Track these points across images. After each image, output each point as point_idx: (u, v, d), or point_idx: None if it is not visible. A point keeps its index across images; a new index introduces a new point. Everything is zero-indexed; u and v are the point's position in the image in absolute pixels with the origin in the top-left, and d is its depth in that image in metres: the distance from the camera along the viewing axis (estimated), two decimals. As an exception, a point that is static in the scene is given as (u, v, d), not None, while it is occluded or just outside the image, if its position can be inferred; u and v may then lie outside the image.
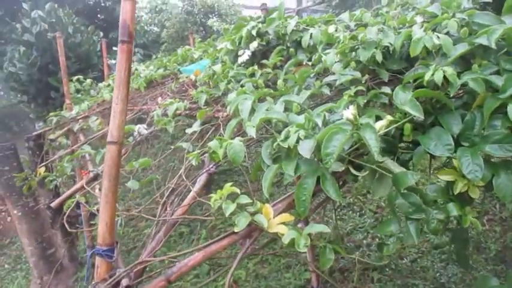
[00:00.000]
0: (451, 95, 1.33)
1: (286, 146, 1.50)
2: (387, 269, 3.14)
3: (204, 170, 2.03)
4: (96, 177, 2.61)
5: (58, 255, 4.26)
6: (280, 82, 2.00)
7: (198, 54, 3.79)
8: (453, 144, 1.33)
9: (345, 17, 2.39)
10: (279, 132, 1.65)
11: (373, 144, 1.31)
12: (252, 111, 1.87)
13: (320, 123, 1.50)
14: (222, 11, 7.21)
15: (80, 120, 3.96)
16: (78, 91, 5.02)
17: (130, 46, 1.61)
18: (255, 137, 1.64)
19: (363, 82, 1.68)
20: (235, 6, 7.71)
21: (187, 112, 2.82)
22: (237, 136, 1.83)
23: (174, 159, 6.11)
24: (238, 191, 1.51)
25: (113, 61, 10.10)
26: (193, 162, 1.77)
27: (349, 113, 1.41)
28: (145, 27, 9.41)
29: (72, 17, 7.22)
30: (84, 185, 2.49)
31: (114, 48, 10.14)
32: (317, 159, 1.50)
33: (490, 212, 3.48)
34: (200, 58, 3.93)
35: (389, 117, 1.45)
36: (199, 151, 1.79)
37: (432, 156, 1.45)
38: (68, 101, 4.24)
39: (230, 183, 1.54)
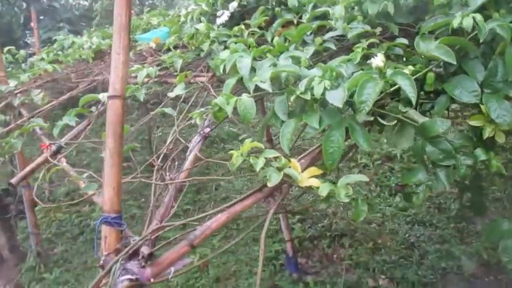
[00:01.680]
0: (481, 41, 1.34)
1: (309, 98, 1.43)
2: (357, 234, 3.22)
3: (198, 132, 1.89)
4: (59, 150, 2.33)
5: (-4, 246, 3.84)
6: (277, 39, 1.91)
7: (157, 21, 3.54)
8: (479, 90, 1.35)
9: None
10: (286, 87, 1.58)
11: (409, 90, 1.29)
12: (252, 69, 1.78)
13: (345, 73, 1.44)
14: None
15: (18, 94, 3.54)
16: (9, 64, 4.49)
17: (129, -12, 1.43)
18: (271, 91, 1.54)
19: (375, 35, 1.64)
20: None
21: (156, 79, 2.62)
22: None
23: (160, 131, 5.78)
24: (262, 146, 1.41)
25: (33, 38, 9.23)
26: (198, 121, 1.63)
27: (379, 60, 1.38)
28: (71, 1, 8.69)
29: (-11, -15, 6.43)
30: (49, 158, 2.21)
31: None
32: (340, 110, 1.45)
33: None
34: (154, 26, 3.69)
35: (411, 67, 1.43)
36: (202, 109, 1.65)
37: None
38: (1, 73, 3.76)
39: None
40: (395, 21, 1.69)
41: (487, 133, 1.34)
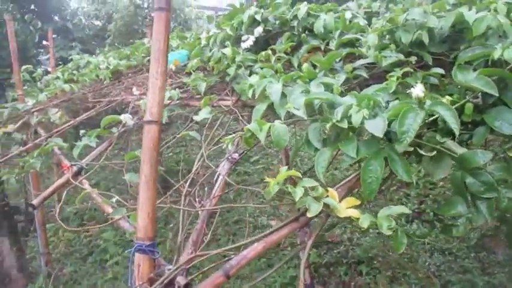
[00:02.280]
0: (522, 73, 1.33)
1: (346, 126, 1.42)
2: (375, 262, 3.16)
3: (226, 157, 1.87)
4: (80, 171, 2.32)
5: (6, 266, 3.79)
6: (305, 65, 1.91)
7: (176, 43, 3.57)
8: (520, 122, 1.33)
9: (352, 5, 2.36)
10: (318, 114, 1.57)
11: (451, 120, 1.27)
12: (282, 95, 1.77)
13: (383, 103, 1.42)
14: (175, 6, 6.94)
15: (35, 113, 3.55)
16: (25, 82, 4.51)
17: (168, 14, 1.44)
18: (306, 118, 1.53)
19: (409, 64, 1.64)
20: (187, 3, 7.45)
21: (177, 101, 2.62)
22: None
23: (171, 151, 5.76)
24: (299, 174, 1.39)
25: (44, 56, 9.33)
26: (229, 147, 1.61)
27: (419, 90, 1.36)
28: (83, 20, 8.81)
29: (8, 4, 6.51)
30: (71, 179, 2.19)
31: (44, 42, 9.36)
32: (377, 140, 1.43)
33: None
34: (172, 48, 3.72)
35: (448, 98, 1.42)
36: (233, 135, 1.63)
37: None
38: (19, 92, 3.78)
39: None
40: (428, 50, 1.68)
41: (530, 166, 1.32)
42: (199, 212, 1.60)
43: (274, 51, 2.23)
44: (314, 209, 1.27)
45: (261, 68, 2.13)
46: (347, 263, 3.20)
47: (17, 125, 3.33)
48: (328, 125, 1.48)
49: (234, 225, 4.33)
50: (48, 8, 7.87)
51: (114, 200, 1.70)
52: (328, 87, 1.69)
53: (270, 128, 1.54)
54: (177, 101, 2.62)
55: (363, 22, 2.06)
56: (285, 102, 1.74)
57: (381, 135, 1.32)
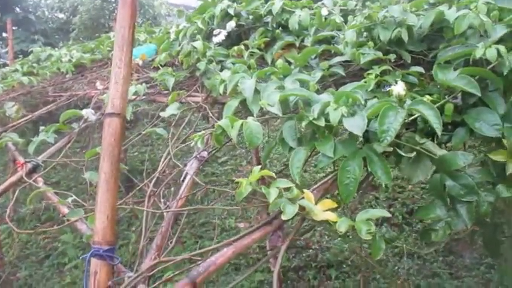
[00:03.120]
0: (505, 73, 1.29)
1: (323, 124, 1.34)
2: (344, 265, 3.12)
3: (195, 156, 1.76)
4: (35, 168, 2.14)
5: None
6: (280, 62, 1.82)
7: (144, 37, 3.42)
8: (501, 123, 1.29)
9: (328, 2, 2.30)
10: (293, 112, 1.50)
11: (434, 120, 1.22)
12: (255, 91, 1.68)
13: (363, 100, 1.36)
14: (144, 1, 6.72)
15: (-11, 107, 3.31)
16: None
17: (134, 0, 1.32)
18: (281, 114, 1.44)
19: (388, 62, 1.59)
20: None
21: (143, 97, 2.48)
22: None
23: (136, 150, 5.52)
24: (273, 174, 1.30)
25: (3, 50, 8.87)
26: (199, 144, 1.51)
27: (400, 88, 1.31)
28: (46, 12, 8.45)
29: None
30: (24, 177, 2.02)
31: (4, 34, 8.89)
32: (355, 139, 1.37)
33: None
34: (140, 43, 3.56)
35: (428, 97, 1.37)
36: (203, 132, 1.52)
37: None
38: (-28, 84, 3.52)
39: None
40: (406, 48, 1.64)
41: (510, 169, 1.28)
42: (165, 214, 1.48)
43: (247, 47, 2.14)
44: (289, 211, 1.18)
45: (233, 64, 2.04)
46: (316, 266, 3.14)
47: (-33, 119, 3.09)
48: (304, 123, 1.40)
49: (200, 228, 4.20)
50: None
51: (70, 200, 1.56)
52: (304, 84, 1.61)
53: (242, 125, 1.44)
54: (143, 97, 2.48)
55: (339, 19, 2.00)
56: (258, 98, 1.65)
57: (360, 134, 1.25)
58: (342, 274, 3.04)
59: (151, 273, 1.20)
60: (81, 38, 7.28)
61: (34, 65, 4.45)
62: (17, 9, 8.50)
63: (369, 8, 1.74)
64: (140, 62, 3.04)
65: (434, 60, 1.53)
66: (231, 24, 2.27)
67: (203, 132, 1.51)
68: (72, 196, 1.58)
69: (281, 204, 1.21)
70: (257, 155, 2.86)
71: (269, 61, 2.08)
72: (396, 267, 2.98)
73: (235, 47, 2.09)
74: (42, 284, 3.77)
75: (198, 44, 2.13)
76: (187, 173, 1.69)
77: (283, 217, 1.18)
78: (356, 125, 1.26)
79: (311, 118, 1.37)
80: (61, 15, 8.42)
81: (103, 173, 1.21)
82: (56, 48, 5.00)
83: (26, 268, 4.06)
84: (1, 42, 8.26)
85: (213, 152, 1.89)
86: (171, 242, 1.35)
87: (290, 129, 1.46)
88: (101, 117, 2.55)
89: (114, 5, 6.88)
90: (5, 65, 4.65)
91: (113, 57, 1.29)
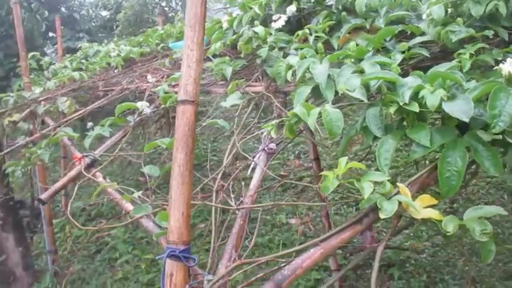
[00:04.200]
0: None
1: (417, 110, 1.19)
2: (407, 265, 2.93)
3: (262, 148, 1.64)
4: (93, 163, 2.10)
5: (10, 263, 3.58)
6: (353, 44, 1.67)
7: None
8: None
9: (396, -19, 2.11)
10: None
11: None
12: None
13: (464, 82, 1.19)
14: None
15: (43, 102, 3.33)
16: (32, 71, 4.30)
17: (206, -26, 1.21)
18: (365, 100, 1.29)
19: (483, 40, 1.40)
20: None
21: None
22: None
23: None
24: (363, 166, 1.16)
25: (50, 49, 9.10)
26: (273, 134, 1.38)
27: (511, 65, 1.13)
28: (91, 11, 8.59)
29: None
30: (83, 172, 1.97)
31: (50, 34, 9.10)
32: (452, 127, 1.20)
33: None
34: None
35: (539, 77, 1.18)
36: (277, 121, 1.40)
37: None
38: (26, 80, 3.56)
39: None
40: (501, 24, 1.44)
41: None
42: (236, 211, 1.37)
43: (310, 31, 1.99)
44: (388, 208, 1.04)
45: (297, 49, 1.91)
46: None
47: (23, 114, 3.12)
48: (392, 109, 1.25)
49: (250, 224, 4.09)
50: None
51: (136, 195, 1.47)
52: (384, 68, 1.45)
53: (321, 112, 1.31)
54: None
55: (415, -4, 1.82)
56: (332, 84, 1.51)
57: (467, 120, 1.08)
58: (405, 274, 2.85)
59: (233, 276, 1.09)
60: (124, 35, 7.34)
61: (83, 61, 4.49)
62: (62, 8, 8.69)
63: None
64: (191, 54, 2.95)
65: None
66: (291, 9, 2.14)
67: (275, 121, 1.38)
68: (135, 192, 1.50)
69: (377, 200, 1.06)
70: (314, 147, 2.71)
71: (335, 46, 1.93)
72: (466, 268, 2.76)
73: (300, 32, 1.95)
74: (94, 278, 3.80)
75: (260, 29, 2.01)
76: (254, 167, 1.57)
77: (381, 215, 1.04)
78: (461, 110, 1.09)
79: (401, 103, 1.21)
80: (105, 13, 8.55)
81: (177, 166, 1.11)
82: (103, 44, 5.03)
83: (79, 262, 4.11)
84: (48, 42, 8.46)
85: (286, 143, 1.76)
86: (249, 242, 1.24)
87: (374, 116, 1.30)
88: (155, 109, 2.49)
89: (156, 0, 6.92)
90: (51, 63, 4.67)
91: (184, 38, 1.19)
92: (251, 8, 2.33)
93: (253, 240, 1.26)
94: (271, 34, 2.06)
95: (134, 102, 2.40)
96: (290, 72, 1.68)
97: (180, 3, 6.78)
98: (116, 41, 5.10)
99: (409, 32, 1.74)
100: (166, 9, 6.64)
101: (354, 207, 3.87)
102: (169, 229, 1.10)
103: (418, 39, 1.59)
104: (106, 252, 4.20)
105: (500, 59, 1.33)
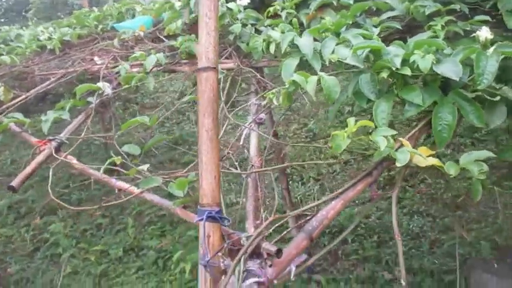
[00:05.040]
0: None
1: (409, 74, 1.33)
2: (358, 229, 3.18)
3: (253, 119, 1.69)
4: (60, 146, 1.99)
5: None
6: (328, 19, 1.79)
7: (140, 8, 3.24)
8: None
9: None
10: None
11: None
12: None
13: (446, 47, 1.36)
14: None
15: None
16: None
17: None
18: (361, 66, 1.42)
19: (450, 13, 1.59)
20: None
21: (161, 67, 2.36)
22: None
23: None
24: (372, 124, 1.28)
25: None
26: (274, 101, 1.45)
27: (487, 32, 1.32)
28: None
29: None
30: (55, 155, 1.87)
31: None
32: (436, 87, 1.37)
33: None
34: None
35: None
36: (277, 88, 1.47)
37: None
38: None
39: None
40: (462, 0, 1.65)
41: None
42: (244, 177, 1.43)
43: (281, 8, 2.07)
44: (402, 158, 1.17)
45: (271, 25, 1.99)
46: (330, 232, 3.18)
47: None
48: (384, 74, 1.39)
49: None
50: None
51: (145, 167, 1.45)
52: (367, 38, 1.58)
53: (319, 79, 1.41)
54: (160, 67, 2.36)
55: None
56: (317, 55, 1.62)
57: (457, 79, 1.25)
58: (357, 237, 3.11)
59: (270, 231, 1.16)
60: (35, 19, 6.78)
61: (1, 45, 4.10)
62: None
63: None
64: (141, 34, 2.89)
65: (492, 10, 1.56)
66: (256, -13, 2.19)
67: (277, 89, 1.45)
68: (143, 165, 1.47)
69: (389, 152, 1.19)
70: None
71: (304, 21, 2.03)
72: (410, 226, 3.08)
73: (271, 8, 2.02)
74: (38, 277, 3.57)
75: (233, 5, 2.04)
76: (248, 136, 1.62)
77: (398, 164, 1.17)
78: (452, 70, 1.26)
79: (394, 68, 1.35)
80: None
81: (205, 131, 1.14)
82: (23, 28, 4.63)
83: (16, 262, 3.81)
84: None
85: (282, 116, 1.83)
86: (271, 202, 1.31)
87: (366, 82, 1.43)
88: (115, 89, 2.41)
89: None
90: None
91: (200, 8, 1.20)
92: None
93: (276, 199, 1.33)
94: (240, 11, 2.10)
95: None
96: (273, 45, 1.75)
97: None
98: (35, 25, 4.72)
99: (374, 8, 1.90)
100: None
101: (299, 182, 4.06)
102: (203, 192, 1.13)
103: (389, 14, 1.75)
104: (46, 249, 3.95)
105: (468, 29, 1.52)
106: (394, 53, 1.42)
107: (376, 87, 1.42)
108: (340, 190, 1.23)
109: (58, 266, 3.73)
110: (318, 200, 1.26)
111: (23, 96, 2.74)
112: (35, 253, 3.96)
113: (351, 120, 1.28)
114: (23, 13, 7.23)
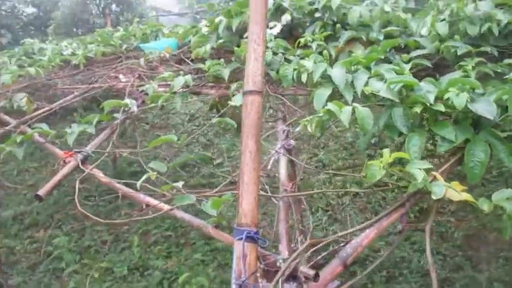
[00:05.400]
0: None
1: (443, 109, 1.38)
2: (367, 262, 3.16)
3: (283, 145, 1.72)
4: (86, 159, 2.01)
5: None
6: (359, 53, 1.85)
7: (167, 30, 3.33)
8: None
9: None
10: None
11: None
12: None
13: (480, 87, 1.40)
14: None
15: (-5, 98, 3.08)
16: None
17: (266, -24, 1.30)
18: (396, 99, 1.46)
19: (479, 55, 1.65)
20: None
21: (187, 89, 2.42)
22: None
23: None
24: (407, 156, 1.31)
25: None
26: (309, 129, 1.49)
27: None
28: (17, 6, 7.99)
29: None
30: (81, 167, 1.89)
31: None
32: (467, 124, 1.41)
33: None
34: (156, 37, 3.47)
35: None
36: (310, 117, 1.51)
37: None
38: (-26, 73, 3.24)
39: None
40: (490, 43, 1.71)
41: None
42: (276, 201, 1.45)
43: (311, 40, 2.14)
44: (438, 191, 1.19)
45: (300, 56, 2.05)
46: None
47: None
48: (417, 109, 1.43)
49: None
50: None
51: (180, 184, 1.47)
52: (399, 73, 1.64)
53: (353, 110, 1.45)
54: (186, 88, 2.41)
55: (404, 15, 2.06)
56: (349, 87, 1.67)
57: (492, 118, 1.29)
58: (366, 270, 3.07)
59: (307, 253, 1.17)
60: (56, 35, 6.94)
61: (23, 58, 4.19)
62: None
63: (448, 5, 1.80)
64: (167, 55, 2.96)
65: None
66: (287, 18, 2.28)
67: (311, 117, 1.49)
68: (170, 182, 1.50)
69: (426, 185, 1.22)
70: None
71: (333, 54, 2.09)
72: (421, 263, 3.07)
73: (301, 39, 2.08)
74: (41, 291, 3.52)
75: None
76: (277, 161, 1.65)
77: (434, 197, 1.19)
78: (486, 109, 1.30)
79: (428, 104, 1.40)
80: (30, 10, 7.98)
81: (248, 152, 1.17)
82: (47, 42, 4.74)
83: (18, 275, 3.77)
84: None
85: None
86: (307, 226, 1.32)
87: (400, 115, 1.47)
88: (141, 107, 2.45)
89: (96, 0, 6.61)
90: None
91: (249, 33, 1.25)
92: (242, 13, 2.42)
93: (311, 224, 1.35)
94: (271, 40, 2.17)
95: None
96: (305, 75, 1.80)
97: (121, 6, 6.59)
98: (58, 40, 4.83)
99: (403, 45, 1.96)
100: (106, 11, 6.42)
101: (308, 211, 4.05)
102: (242, 212, 1.15)
103: (419, 52, 1.81)
104: (49, 262, 3.91)
105: (498, 70, 1.57)
106: (427, 89, 1.47)
107: (409, 121, 1.46)
108: (374, 219, 1.25)
109: (60, 280, 3.69)
110: (330, 230, 1.27)
111: (47, 108, 2.79)
112: (38, 266, 3.92)
113: (386, 152, 1.31)
114: (42, 28, 7.39)
